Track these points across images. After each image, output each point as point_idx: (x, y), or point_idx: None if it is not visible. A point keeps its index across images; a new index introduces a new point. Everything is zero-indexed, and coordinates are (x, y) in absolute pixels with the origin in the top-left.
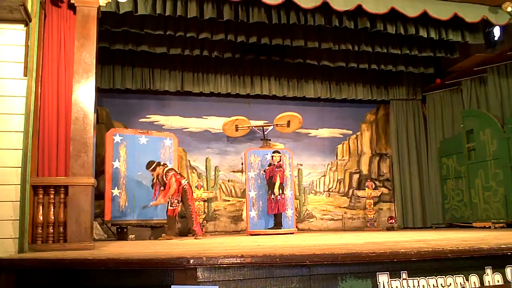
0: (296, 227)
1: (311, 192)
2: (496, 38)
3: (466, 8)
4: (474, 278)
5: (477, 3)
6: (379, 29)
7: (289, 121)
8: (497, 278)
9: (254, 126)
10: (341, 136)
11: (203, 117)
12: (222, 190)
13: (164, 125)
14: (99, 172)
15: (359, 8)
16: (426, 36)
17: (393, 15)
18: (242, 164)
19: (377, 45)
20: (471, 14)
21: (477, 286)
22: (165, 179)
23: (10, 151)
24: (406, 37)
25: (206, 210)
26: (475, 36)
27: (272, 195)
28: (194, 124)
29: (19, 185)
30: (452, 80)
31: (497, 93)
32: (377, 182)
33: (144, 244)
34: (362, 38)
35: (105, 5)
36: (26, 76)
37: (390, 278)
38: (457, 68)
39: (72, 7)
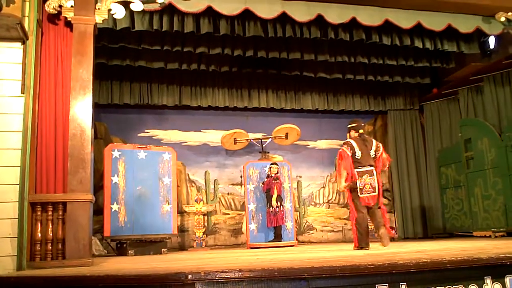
0: (296, 239)
1: (311, 204)
2: (491, 48)
3: (459, 18)
4: None
5: (471, 13)
6: (374, 40)
7: (287, 133)
8: None
9: (253, 139)
10: (340, 147)
11: (201, 130)
12: (222, 204)
13: (162, 139)
14: (98, 187)
15: (353, 20)
16: (421, 46)
17: (388, 27)
18: (241, 177)
19: (373, 56)
20: (465, 25)
21: None
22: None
23: (8, 168)
24: (401, 48)
25: (206, 223)
26: (470, 46)
27: (271, 208)
28: (193, 137)
29: (17, 202)
30: (449, 89)
31: (493, 102)
32: None
33: (144, 259)
34: (358, 50)
35: (101, 22)
36: (23, 93)
37: None
38: (453, 78)
39: (69, 25)
